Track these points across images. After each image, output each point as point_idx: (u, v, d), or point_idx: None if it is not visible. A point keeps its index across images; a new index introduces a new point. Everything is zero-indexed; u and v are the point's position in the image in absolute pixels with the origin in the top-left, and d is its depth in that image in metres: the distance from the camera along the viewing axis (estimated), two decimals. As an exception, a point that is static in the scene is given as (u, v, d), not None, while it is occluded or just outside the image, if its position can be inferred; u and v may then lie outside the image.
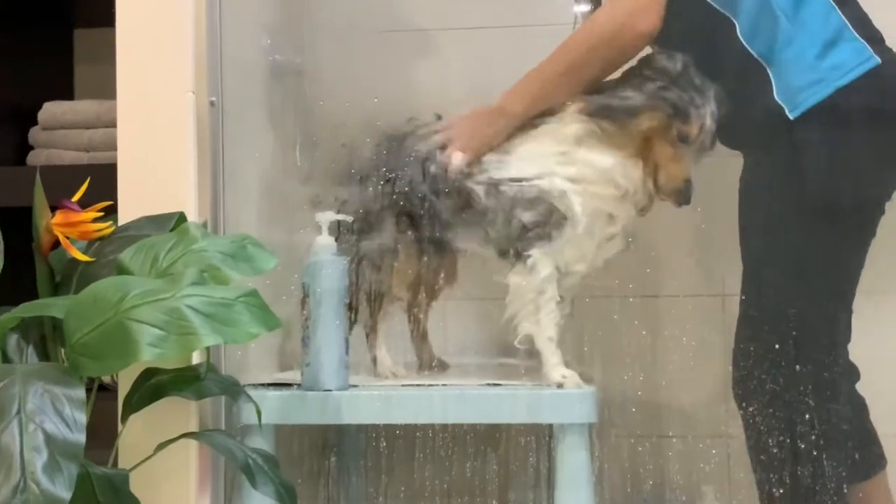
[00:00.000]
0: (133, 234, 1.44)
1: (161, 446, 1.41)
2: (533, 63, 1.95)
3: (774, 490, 1.64)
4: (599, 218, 1.62)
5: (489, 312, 1.73)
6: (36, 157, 2.12)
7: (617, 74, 1.65)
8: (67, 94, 2.34)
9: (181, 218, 1.49)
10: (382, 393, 1.60)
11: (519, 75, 1.92)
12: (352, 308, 1.68)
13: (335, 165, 1.77)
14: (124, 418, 1.41)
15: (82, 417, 1.14)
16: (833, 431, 1.63)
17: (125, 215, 1.52)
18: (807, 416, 1.61)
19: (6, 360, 1.36)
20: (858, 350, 1.76)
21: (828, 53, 1.60)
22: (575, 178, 1.61)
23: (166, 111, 1.56)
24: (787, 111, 1.60)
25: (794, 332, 1.62)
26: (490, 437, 1.91)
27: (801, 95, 1.59)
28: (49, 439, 1.11)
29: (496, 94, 1.73)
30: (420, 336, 1.84)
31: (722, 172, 1.73)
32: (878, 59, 1.59)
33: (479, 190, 1.64)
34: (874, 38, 1.63)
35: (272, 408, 1.56)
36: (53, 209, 1.45)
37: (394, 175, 1.69)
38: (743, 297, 1.70)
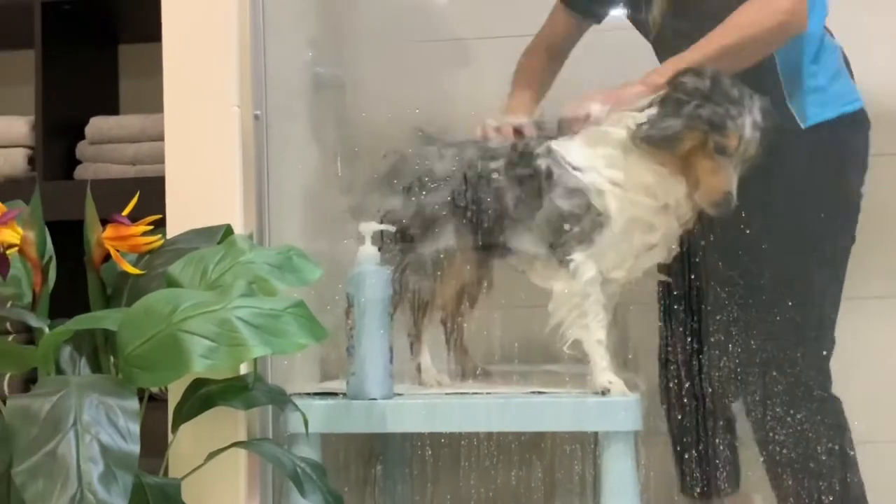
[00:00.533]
0: (182, 247, 1.46)
1: (211, 455, 1.42)
2: (568, 70, 1.96)
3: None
4: (637, 226, 1.62)
5: (532, 320, 1.73)
6: (84, 171, 2.16)
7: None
8: (112, 109, 2.38)
9: (228, 230, 1.51)
10: (427, 401, 1.61)
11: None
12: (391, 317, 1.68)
13: (377, 175, 1.78)
14: (174, 428, 1.43)
15: (136, 428, 1.16)
16: None
17: (173, 228, 1.55)
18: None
19: (59, 371, 1.39)
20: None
21: (835, 82, 1.84)
22: (616, 182, 1.61)
23: (212, 125, 1.58)
24: (798, 121, 1.79)
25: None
26: (535, 445, 1.91)
27: (812, 110, 1.80)
28: (104, 450, 1.13)
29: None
30: (461, 345, 1.85)
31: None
32: (862, 102, 1.84)
33: (542, 164, 1.65)
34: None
35: (318, 417, 1.57)
36: (102, 222, 1.47)
37: (446, 181, 1.70)
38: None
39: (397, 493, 1.92)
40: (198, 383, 1.43)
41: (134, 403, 1.19)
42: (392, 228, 1.69)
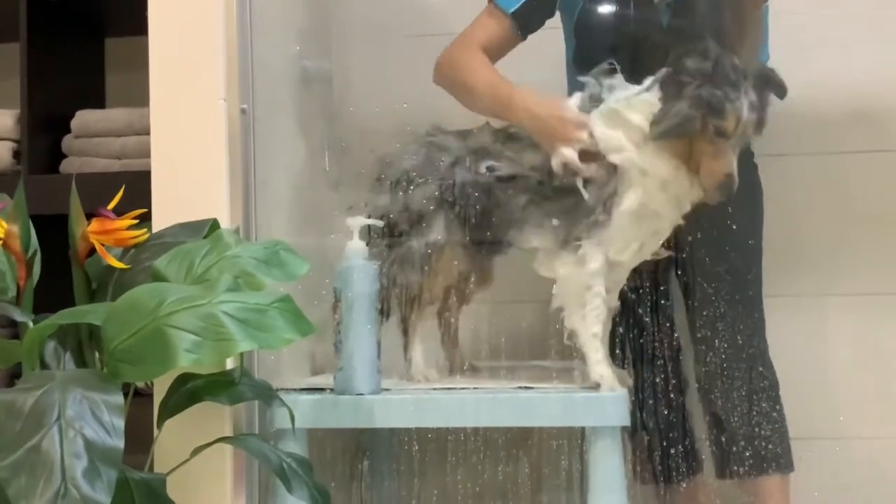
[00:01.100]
0: (168, 241, 1.45)
1: (197, 451, 1.42)
2: (562, 67, 1.96)
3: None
4: (647, 211, 1.62)
5: (520, 315, 1.74)
6: (69, 165, 2.14)
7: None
8: (99, 102, 2.36)
9: (214, 225, 1.50)
10: (415, 397, 1.61)
11: (547, 78, 1.93)
12: (383, 312, 1.68)
13: (366, 170, 1.78)
14: (160, 423, 1.43)
15: (121, 423, 1.16)
16: None
17: (158, 222, 1.54)
18: None
19: (44, 366, 1.38)
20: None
21: None
22: (640, 166, 1.61)
23: (198, 119, 1.57)
24: None
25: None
26: (522, 440, 1.91)
27: None
28: (89, 445, 1.12)
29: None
30: (451, 339, 1.85)
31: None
32: None
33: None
34: None
35: (305, 412, 1.57)
36: (87, 216, 1.46)
37: (443, 174, 1.70)
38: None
39: (384, 489, 1.92)
40: (183, 378, 1.42)
41: (119, 398, 1.18)
42: (380, 223, 1.69)
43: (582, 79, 1.71)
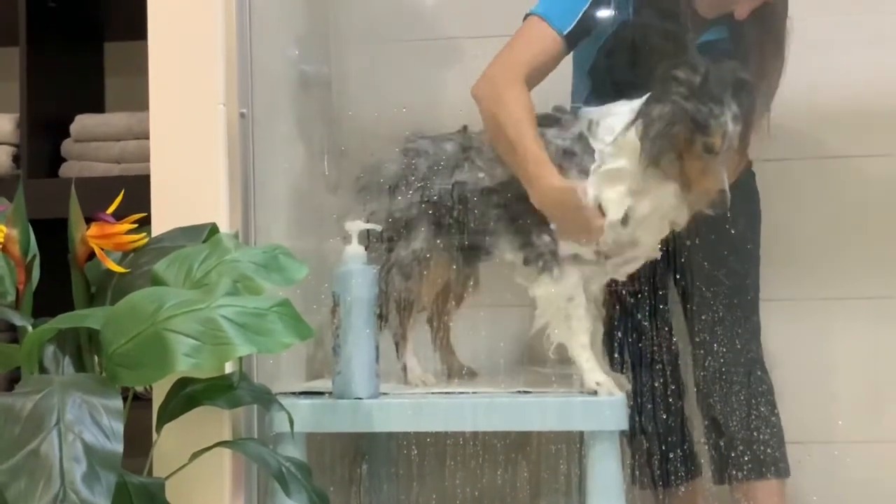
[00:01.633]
0: (167, 246, 1.46)
1: (195, 455, 1.42)
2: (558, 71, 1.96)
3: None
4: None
5: (518, 320, 1.74)
6: (69, 169, 2.15)
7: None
8: (98, 106, 2.36)
9: (213, 229, 1.50)
10: (413, 401, 1.61)
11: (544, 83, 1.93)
12: (382, 317, 1.69)
13: (364, 176, 1.78)
14: (159, 427, 1.43)
15: (120, 427, 1.16)
16: None
17: (158, 226, 1.54)
18: None
19: (43, 370, 1.38)
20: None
21: None
22: (624, 192, 1.62)
23: (197, 123, 1.58)
24: None
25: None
26: (520, 444, 1.91)
27: None
28: (88, 449, 1.12)
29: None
30: (447, 344, 1.85)
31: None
32: None
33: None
34: None
35: (304, 416, 1.57)
36: (87, 221, 1.47)
37: (426, 182, 1.70)
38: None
39: (383, 493, 1.92)
40: (182, 382, 1.42)
41: (118, 402, 1.18)
42: (378, 228, 1.69)
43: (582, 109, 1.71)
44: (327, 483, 1.79)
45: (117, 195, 1.50)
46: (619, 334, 1.88)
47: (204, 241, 1.46)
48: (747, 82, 1.61)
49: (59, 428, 1.13)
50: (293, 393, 1.64)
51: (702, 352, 1.90)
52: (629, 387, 1.73)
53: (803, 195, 2.13)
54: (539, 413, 1.58)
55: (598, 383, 1.59)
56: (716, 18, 1.82)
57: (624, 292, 1.77)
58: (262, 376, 1.60)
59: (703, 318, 1.90)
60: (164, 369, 1.23)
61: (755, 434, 1.86)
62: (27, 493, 1.08)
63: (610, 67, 1.85)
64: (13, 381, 1.91)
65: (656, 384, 1.92)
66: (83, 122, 2.16)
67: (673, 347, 1.96)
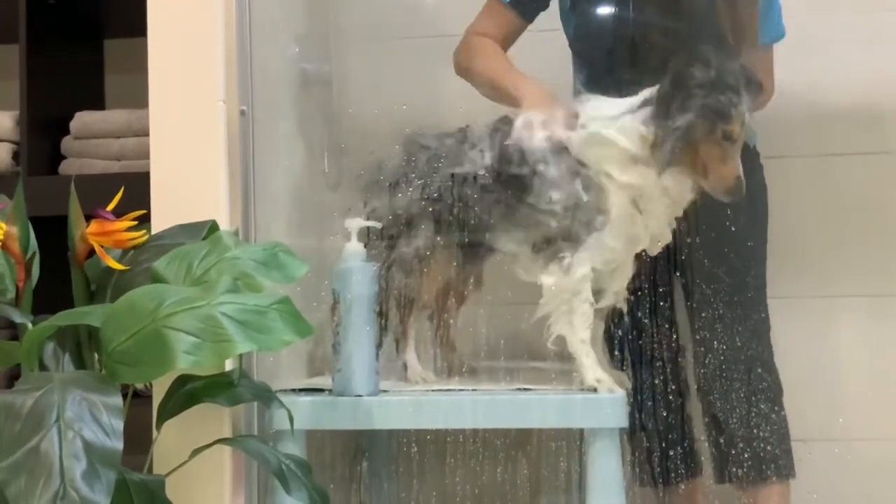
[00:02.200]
0: (167, 243, 1.45)
1: (195, 452, 1.42)
2: (559, 66, 1.96)
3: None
4: (630, 227, 1.62)
5: (519, 317, 1.74)
6: (68, 167, 2.15)
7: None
8: (98, 103, 2.36)
9: (214, 226, 1.50)
10: (413, 398, 1.61)
11: (545, 79, 1.93)
12: (382, 314, 1.68)
13: (364, 173, 1.78)
14: (159, 425, 1.43)
15: (119, 425, 1.16)
16: None
17: (157, 224, 1.54)
18: None
19: (43, 368, 1.38)
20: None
21: None
22: (629, 185, 1.61)
23: (197, 121, 1.58)
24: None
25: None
26: (521, 441, 1.91)
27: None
28: (88, 446, 1.12)
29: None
30: (448, 341, 1.85)
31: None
32: None
33: (538, 162, 1.65)
34: None
35: (304, 413, 1.57)
36: (86, 218, 1.46)
37: (426, 179, 1.70)
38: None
39: (383, 490, 1.92)
40: (182, 380, 1.42)
41: (118, 400, 1.18)
42: (378, 225, 1.69)
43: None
44: (327, 480, 1.79)
45: (117, 192, 1.50)
46: (621, 332, 1.88)
47: (204, 239, 1.46)
48: (747, 68, 1.62)
49: (59, 425, 1.13)
50: (293, 390, 1.64)
51: (702, 349, 1.90)
52: (629, 384, 1.73)
53: (804, 192, 2.13)
54: (539, 410, 1.57)
55: (598, 380, 1.58)
56: None
57: (626, 288, 1.77)
58: (262, 374, 1.60)
59: (702, 315, 1.90)
60: (164, 366, 1.23)
61: (755, 432, 1.86)
62: (27, 490, 1.08)
63: (583, 48, 1.89)
64: (13, 378, 1.91)
65: (657, 381, 1.92)
66: (83, 120, 2.16)
67: (674, 345, 1.96)
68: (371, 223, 1.67)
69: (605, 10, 1.91)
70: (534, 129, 1.65)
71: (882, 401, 2.10)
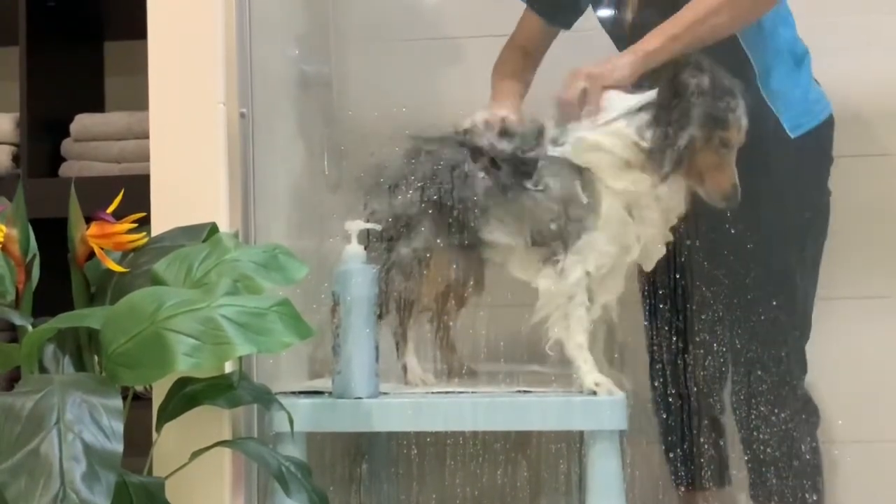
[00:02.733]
0: (167, 245, 1.46)
1: (195, 454, 1.42)
2: (558, 69, 1.96)
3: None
4: (622, 232, 1.62)
5: (518, 319, 1.73)
6: (68, 169, 2.15)
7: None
8: (98, 106, 2.37)
9: (213, 228, 1.50)
10: (413, 400, 1.61)
11: (544, 82, 1.94)
12: (381, 316, 1.68)
13: (364, 175, 1.78)
14: (159, 427, 1.43)
15: (119, 427, 1.16)
16: None
17: (157, 226, 1.54)
18: None
19: (43, 370, 1.38)
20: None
21: (812, 89, 1.87)
22: (619, 191, 1.61)
23: (197, 123, 1.58)
24: (788, 131, 1.78)
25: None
26: (520, 444, 1.91)
27: (801, 119, 1.80)
28: (87, 449, 1.12)
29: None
30: (448, 344, 1.85)
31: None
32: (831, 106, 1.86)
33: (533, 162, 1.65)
34: None
35: (304, 415, 1.57)
36: (86, 220, 1.47)
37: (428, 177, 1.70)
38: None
39: (383, 493, 1.92)
40: (182, 382, 1.42)
41: (117, 402, 1.18)
42: (378, 227, 1.69)
43: None
44: (327, 483, 1.79)
45: (117, 195, 1.50)
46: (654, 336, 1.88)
47: (204, 241, 1.46)
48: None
49: (59, 427, 1.13)
50: (293, 392, 1.63)
51: (701, 351, 1.90)
52: (628, 386, 1.73)
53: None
54: (539, 412, 1.57)
55: (596, 384, 1.58)
56: None
57: (650, 293, 1.78)
58: (261, 376, 1.60)
59: (702, 317, 1.90)
60: (163, 369, 1.23)
61: (754, 433, 1.86)
62: (27, 492, 1.08)
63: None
64: (13, 380, 1.91)
65: (656, 384, 1.92)
66: (83, 122, 2.16)
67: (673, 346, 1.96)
68: (371, 225, 1.67)
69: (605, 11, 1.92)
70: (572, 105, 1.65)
71: (881, 403, 2.10)
